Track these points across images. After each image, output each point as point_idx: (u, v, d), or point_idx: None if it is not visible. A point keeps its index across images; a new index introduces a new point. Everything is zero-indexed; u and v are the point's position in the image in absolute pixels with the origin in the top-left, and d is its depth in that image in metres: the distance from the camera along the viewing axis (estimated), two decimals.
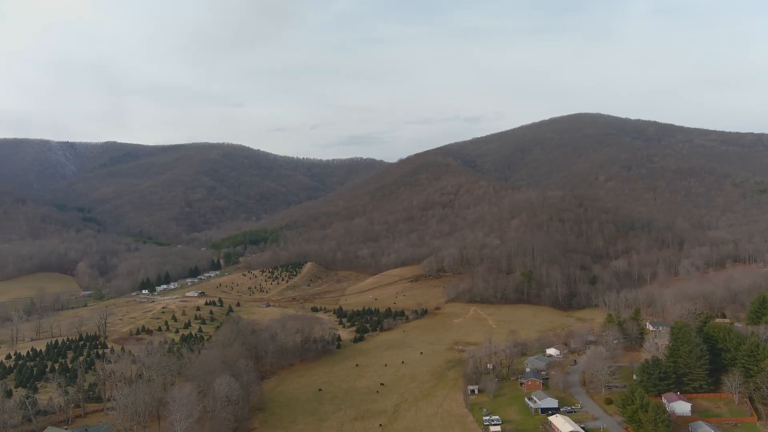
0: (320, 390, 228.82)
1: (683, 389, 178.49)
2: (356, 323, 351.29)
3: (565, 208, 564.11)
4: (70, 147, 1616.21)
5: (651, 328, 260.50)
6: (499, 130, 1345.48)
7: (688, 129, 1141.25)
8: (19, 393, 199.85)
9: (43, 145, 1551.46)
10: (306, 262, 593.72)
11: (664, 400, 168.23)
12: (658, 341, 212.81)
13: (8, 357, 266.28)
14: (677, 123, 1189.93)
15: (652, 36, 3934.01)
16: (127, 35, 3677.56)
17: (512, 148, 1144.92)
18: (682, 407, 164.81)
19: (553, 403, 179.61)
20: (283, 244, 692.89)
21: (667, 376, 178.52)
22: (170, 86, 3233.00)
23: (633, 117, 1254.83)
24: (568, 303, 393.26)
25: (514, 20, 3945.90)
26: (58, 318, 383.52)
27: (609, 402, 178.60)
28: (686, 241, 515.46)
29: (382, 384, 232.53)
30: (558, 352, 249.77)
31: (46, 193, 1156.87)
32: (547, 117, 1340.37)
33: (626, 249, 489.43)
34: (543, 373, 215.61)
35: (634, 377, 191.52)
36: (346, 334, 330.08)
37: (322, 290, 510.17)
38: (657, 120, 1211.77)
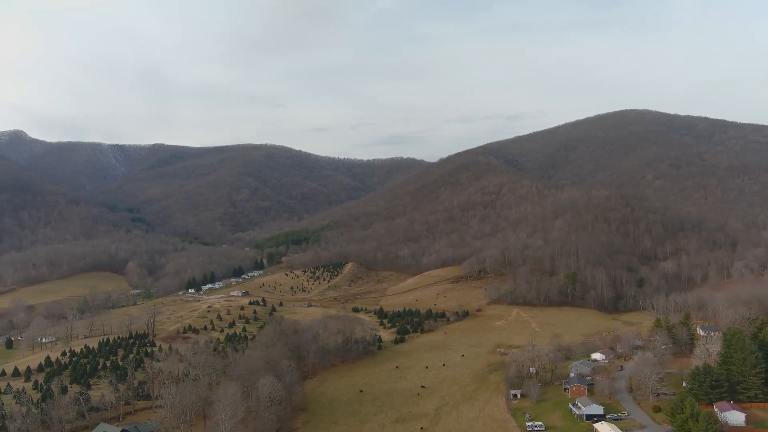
0: (361, 391, 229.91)
1: (737, 398, 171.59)
2: (397, 324, 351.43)
3: (611, 207, 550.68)
4: (120, 149, 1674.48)
5: (702, 333, 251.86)
6: (542, 128, 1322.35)
7: (741, 124, 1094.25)
8: (74, 389, 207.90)
9: (95, 148, 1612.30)
10: (347, 263, 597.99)
11: (716, 410, 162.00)
12: (709, 347, 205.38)
13: (63, 354, 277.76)
14: (729, 118, 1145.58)
15: (702, 28, 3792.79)
16: (175, 39, 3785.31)
17: (556, 147, 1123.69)
18: (735, 417, 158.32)
19: (598, 409, 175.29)
20: (325, 245, 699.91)
21: (719, 385, 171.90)
22: (215, 88, 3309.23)
23: (682, 113, 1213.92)
24: (614, 306, 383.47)
25: (557, 15, 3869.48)
26: (109, 316, 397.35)
27: (657, 410, 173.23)
28: (739, 241, 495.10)
29: (423, 386, 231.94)
30: (603, 356, 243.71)
31: (97, 194, 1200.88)
32: (591, 114, 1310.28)
33: (675, 250, 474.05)
34: (588, 378, 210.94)
35: (684, 385, 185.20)
36: (386, 335, 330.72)
37: (362, 290, 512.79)
38: (708, 116, 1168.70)
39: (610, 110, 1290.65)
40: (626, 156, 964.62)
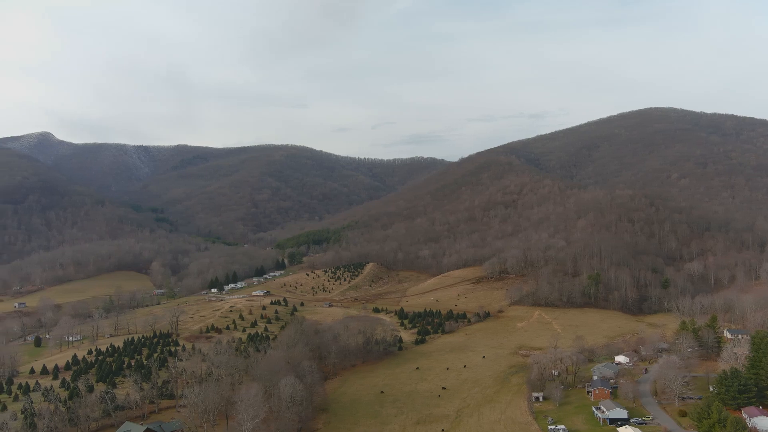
0: (382, 392, 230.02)
1: (765, 403, 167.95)
2: (417, 325, 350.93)
3: (635, 207, 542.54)
4: (144, 150, 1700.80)
5: (729, 336, 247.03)
6: (565, 127, 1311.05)
7: None
8: (99, 388, 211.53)
9: (120, 149, 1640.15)
10: (367, 263, 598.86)
11: (744, 415, 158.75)
12: (737, 351, 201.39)
13: (90, 352, 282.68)
14: (758, 116, 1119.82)
15: (728, 24, 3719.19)
16: (199, 41, 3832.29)
17: (578, 145, 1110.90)
18: (764, 423, 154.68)
19: (622, 413, 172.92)
20: (345, 244, 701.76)
21: (747, 389, 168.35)
22: (237, 89, 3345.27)
23: (708, 111, 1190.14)
24: (639, 308, 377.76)
25: (580, 13, 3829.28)
26: (134, 315, 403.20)
27: (683, 414, 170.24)
28: None
29: (444, 388, 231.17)
30: (627, 359, 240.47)
31: (122, 194, 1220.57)
32: (615, 112, 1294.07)
33: (702, 251, 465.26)
34: (612, 381, 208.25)
35: (711, 389, 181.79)
36: (407, 335, 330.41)
37: (383, 291, 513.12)
38: (735, 113, 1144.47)
39: (634, 108, 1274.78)
40: (650, 155, 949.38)
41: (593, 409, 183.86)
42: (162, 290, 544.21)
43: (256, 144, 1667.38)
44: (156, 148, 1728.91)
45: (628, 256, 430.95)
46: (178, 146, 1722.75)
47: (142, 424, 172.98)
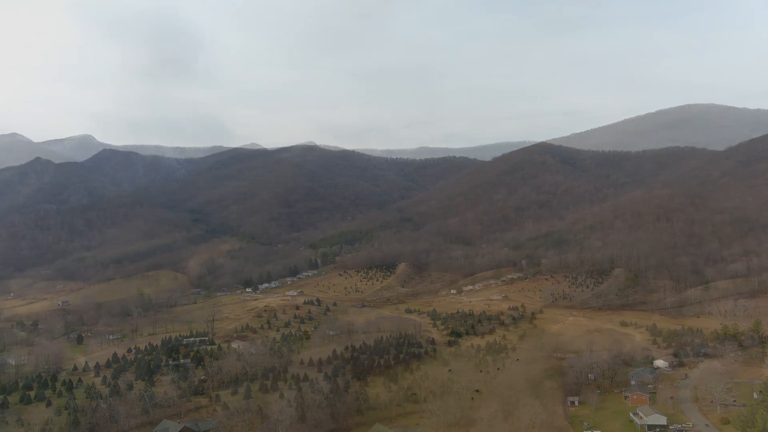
0: (414, 393, 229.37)
1: None
2: (450, 326, 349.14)
3: (674, 207, 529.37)
4: (180, 152, 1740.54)
5: None
6: (601, 125, 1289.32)
7: None
8: (138, 386, 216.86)
9: (157, 151, 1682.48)
10: (399, 263, 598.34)
11: None
12: None
13: (129, 350, 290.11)
14: None
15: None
16: (233, 44, 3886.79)
17: (615, 144, 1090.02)
18: None
19: (661, 419, 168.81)
20: (377, 245, 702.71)
21: None
22: (271, 91, 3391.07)
23: (752, 107, 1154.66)
24: (678, 310, 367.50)
25: (617, 8, 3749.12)
26: (171, 314, 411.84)
27: (726, 422, 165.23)
28: None
29: (477, 390, 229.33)
30: (666, 364, 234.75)
31: (159, 195, 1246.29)
32: (653, 109, 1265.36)
33: (745, 252, 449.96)
34: (650, 386, 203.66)
35: (756, 396, 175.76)
36: (439, 336, 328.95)
37: (415, 291, 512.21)
38: None
39: (673, 105, 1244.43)
40: (690, 153, 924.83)
41: (630, 414, 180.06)
42: (198, 289, 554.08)
43: (289, 145, 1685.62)
44: (192, 150, 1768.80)
45: (667, 258, 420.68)
46: (213, 147, 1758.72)
47: (179, 422, 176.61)
